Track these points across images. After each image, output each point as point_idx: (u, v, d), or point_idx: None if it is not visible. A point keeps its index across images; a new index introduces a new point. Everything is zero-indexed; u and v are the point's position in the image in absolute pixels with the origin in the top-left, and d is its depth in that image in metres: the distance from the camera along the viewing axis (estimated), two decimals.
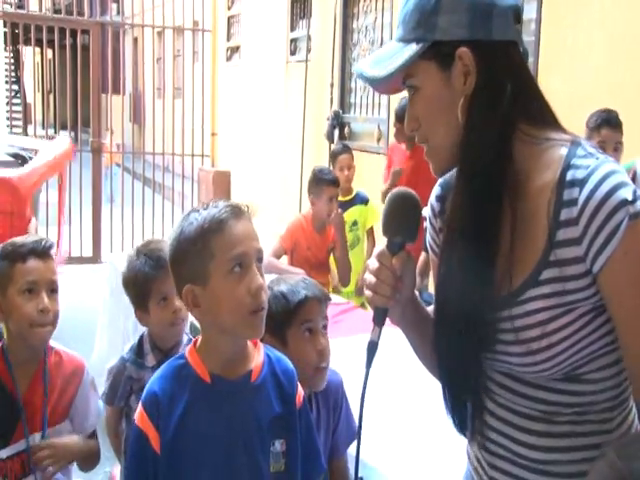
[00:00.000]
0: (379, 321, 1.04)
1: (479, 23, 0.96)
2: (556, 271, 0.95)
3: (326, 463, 1.44)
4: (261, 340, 1.23)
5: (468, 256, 1.00)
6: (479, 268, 0.98)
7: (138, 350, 1.82)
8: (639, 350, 0.95)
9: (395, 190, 1.09)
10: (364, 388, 1.05)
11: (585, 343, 0.96)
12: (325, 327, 1.51)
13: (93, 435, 1.71)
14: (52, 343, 1.66)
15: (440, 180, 1.13)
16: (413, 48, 0.99)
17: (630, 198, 0.91)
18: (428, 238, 1.16)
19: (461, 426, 1.10)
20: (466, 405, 1.08)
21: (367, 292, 1.05)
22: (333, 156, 4.10)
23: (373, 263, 1.04)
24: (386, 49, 1.04)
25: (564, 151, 0.97)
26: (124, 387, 1.80)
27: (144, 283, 1.74)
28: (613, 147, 2.75)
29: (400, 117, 4.01)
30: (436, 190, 1.14)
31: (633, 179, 2.69)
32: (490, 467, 1.07)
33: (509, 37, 0.98)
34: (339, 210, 3.45)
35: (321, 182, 3.40)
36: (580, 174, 0.94)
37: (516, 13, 0.98)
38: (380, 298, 1.03)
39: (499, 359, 1.01)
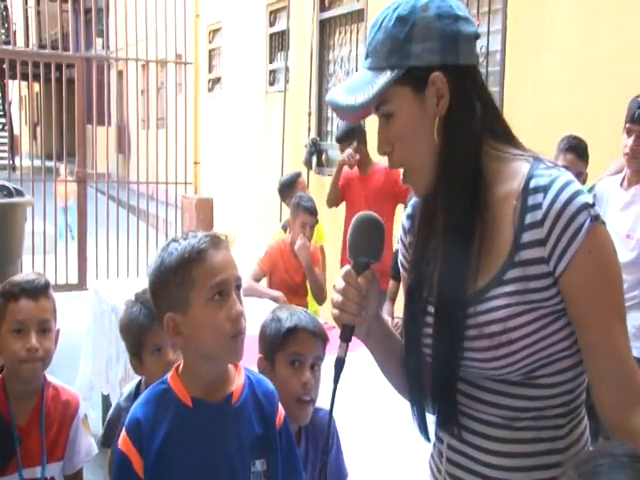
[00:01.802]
0: (346, 338, 1.06)
1: (449, 49, 1.01)
2: (520, 271, 0.99)
3: None
4: (246, 361, 1.24)
5: (443, 261, 1.04)
6: (453, 271, 1.03)
7: (134, 398, 1.78)
8: (602, 348, 0.98)
9: (360, 213, 1.12)
10: (332, 404, 1.06)
11: (544, 344, 1.00)
12: (317, 364, 1.49)
13: (79, 474, 1.70)
14: (49, 378, 1.67)
15: (411, 201, 1.17)
16: (388, 75, 1.02)
17: (590, 202, 0.98)
18: (400, 256, 1.19)
19: (427, 435, 1.13)
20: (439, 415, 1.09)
21: (334, 311, 1.06)
22: (293, 181, 4.27)
23: (339, 282, 1.06)
24: (357, 78, 1.06)
25: (527, 165, 1.03)
26: (119, 433, 1.82)
27: (139, 333, 1.71)
28: (574, 174, 2.88)
29: (340, 140, 4.17)
30: (407, 210, 1.19)
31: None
32: (450, 477, 1.10)
33: (473, 61, 1.05)
34: (305, 240, 3.54)
35: (298, 207, 3.55)
36: (543, 181, 0.99)
37: (476, 39, 1.06)
38: (347, 316, 1.05)
39: (465, 356, 1.04)
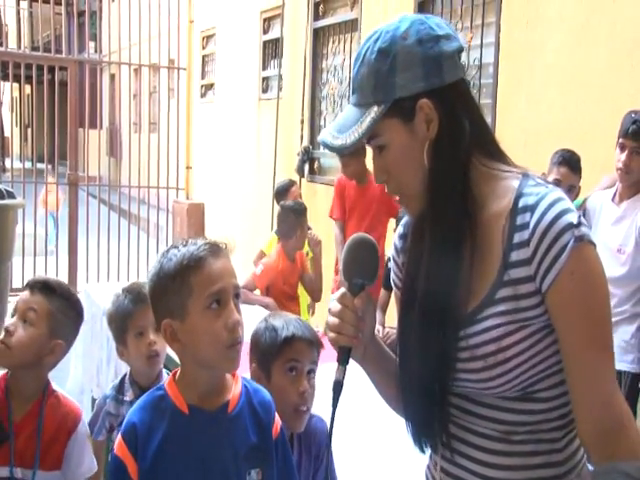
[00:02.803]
0: (343, 361, 1.06)
1: (433, 73, 1.01)
2: (510, 290, 0.99)
3: None
4: (239, 371, 1.24)
5: (433, 281, 1.04)
6: (442, 292, 1.02)
7: (119, 387, 1.90)
8: (576, 372, 0.98)
9: (354, 235, 1.13)
10: (331, 428, 1.06)
11: (538, 359, 1.00)
12: (313, 372, 1.50)
13: None
14: (54, 386, 1.70)
15: (403, 220, 1.18)
16: (375, 110, 1.02)
17: (575, 222, 0.97)
18: (392, 275, 1.20)
19: (422, 447, 1.13)
20: (429, 429, 1.09)
21: (330, 334, 1.06)
22: (285, 189, 4.29)
23: (335, 305, 1.06)
24: (346, 115, 1.06)
25: (516, 182, 1.03)
26: (102, 421, 1.88)
27: (123, 317, 1.84)
28: (567, 187, 2.84)
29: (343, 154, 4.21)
30: (399, 229, 1.19)
31: (583, 215, 2.90)
32: None
33: (458, 75, 1.05)
34: (314, 233, 3.71)
35: (298, 216, 3.62)
36: (531, 200, 1.00)
37: (460, 53, 1.05)
38: (344, 338, 1.05)
39: (458, 377, 1.04)
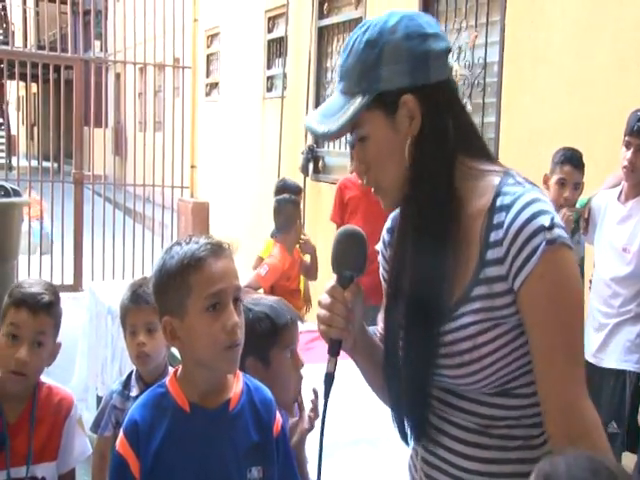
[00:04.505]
0: (334, 352, 1.07)
1: (419, 70, 1.01)
2: (485, 288, 1.01)
3: None
4: (243, 363, 1.25)
5: (415, 277, 1.05)
6: (424, 287, 1.04)
7: (126, 382, 1.91)
8: (548, 370, 0.98)
9: (342, 228, 1.13)
10: (323, 419, 1.07)
11: (513, 357, 1.01)
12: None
13: (72, 473, 1.70)
14: (43, 378, 1.67)
15: (392, 214, 1.18)
16: (359, 101, 1.03)
17: (547, 224, 0.97)
18: (381, 269, 1.21)
19: (407, 439, 1.15)
20: (412, 419, 1.11)
21: (321, 326, 1.07)
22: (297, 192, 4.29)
23: (325, 298, 1.07)
24: (332, 102, 1.07)
25: (497, 180, 1.04)
26: (108, 416, 1.89)
27: (122, 314, 1.88)
28: (573, 185, 2.84)
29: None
30: (387, 223, 1.20)
31: (588, 215, 2.82)
32: (427, 477, 1.12)
33: (445, 75, 1.05)
34: (308, 238, 3.74)
35: (296, 208, 3.70)
36: (507, 200, 1.00)
37: (448, 53, 1.05)
38: (335, 330, 1.06)
39: (437, 372, 1.05)
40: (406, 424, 1.13)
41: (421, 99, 1.02)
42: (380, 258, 1.21)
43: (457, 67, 4.42)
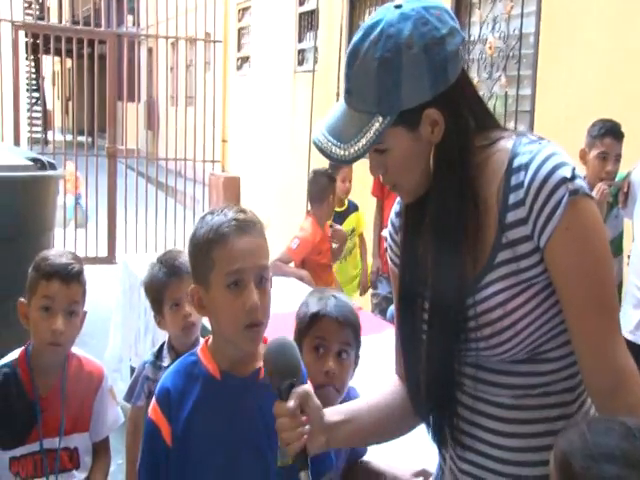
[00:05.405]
0: (302, 465, 1.03)
1: (439, 80, 0.97)
2: (509, 252, 0.98)
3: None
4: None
5: (438, 252, 1.02)
6: (447, 263, 1.02)
7: (158, 353, 1.94)
8: (575, 329, 0.98)
9: (267, 347, 1.10)
10: None
11: (544, 319, 0.99)
12: (345, 353, 1.44)
13: (105, 442, 1.74)
14: (73, 349, 1.69)
15: (399, 198, 1.15)
16: (380, 121, 0.98)
17: (569, 176, 0.95)
18: (389, 252, 1.18)
19: (434, 430, 1.12)
20: (438, 408, 1.09)
21: (284, 449, 1.04)
22: (333, 168, 4.33)
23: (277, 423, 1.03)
24: (344, 121, 1.01)
25: (510, 143, 1.02)
26: (141, 386, 1.91)
27: (158, 289, 1.86)
28: (614, 158, 2.78)
29: None
30: (395, 207, 1.18)
31: (628, 189, 2.78)
32: (460, 459, 1.09)
33: (460, 69, 1.00)
34: (340, 228, 3.74)
35: (330, 182, 3.66)
36: (524, 159, 0.98)
37: (463, 44, 1.01)
38: (294, 446, 1.02)
39: (467, 347, 1.03)
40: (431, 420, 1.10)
41: (442, 106, 0.99)
42: (390, 242, 1.18)
43: (492, 39, 4.34)
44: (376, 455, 1.57)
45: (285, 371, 1.06)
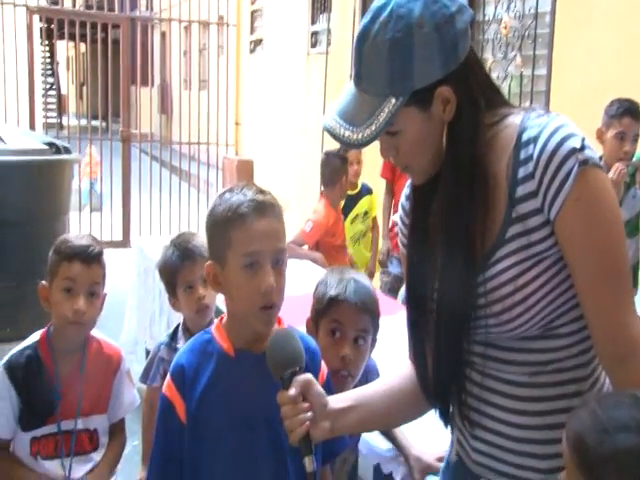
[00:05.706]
0: (307, 451, 1.04)
1: (451, 58, 0.98)
2: (519, 226, 0.98)
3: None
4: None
5: (448, 231, 1.02)
6: (458, 239, 1.02)
7: (173, 334, 1.95)
8: (592, 296, 0.97)
9: (269, 341, 1.11)
10: None
11: (555, 294, 0.99)
12: (362, 339, 1.42)
13: (121, 423, 1.76)
14: (93, 332, 1.70)
15: (409, 181, 1.16)
16: (392, 103, 0.97)
17: (578, 146, 0.95)
18: (400, 236, 1.19)
19: (443, 412, 1.13)
20: (448, 390, 1.09)
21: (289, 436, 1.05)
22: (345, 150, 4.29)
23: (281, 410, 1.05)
24: (355, 104, 1.01)
25: (518, 118, 1.02)
26: (156, 367, 1.92)
27: (172, 272, 1.87)
28: (632, 138, 2.73)
29: None
30: (405, 190, 1.18)
31: None
32: (472, 438, 1.09)
33: (468, 47, 1.00)
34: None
35: (343, 163, 3.63)
36: (533, 132, 0.98)
37: (471, 22, 1.01)
38: (297, 433, 1.03)
39: (478, 324, 1.03)
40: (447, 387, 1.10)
41: (453, 83, 0.99)
42: (400, 225, 1.18)
43: (507, 18, 4.28)
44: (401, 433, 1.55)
45: (285, 363, 1.07)
